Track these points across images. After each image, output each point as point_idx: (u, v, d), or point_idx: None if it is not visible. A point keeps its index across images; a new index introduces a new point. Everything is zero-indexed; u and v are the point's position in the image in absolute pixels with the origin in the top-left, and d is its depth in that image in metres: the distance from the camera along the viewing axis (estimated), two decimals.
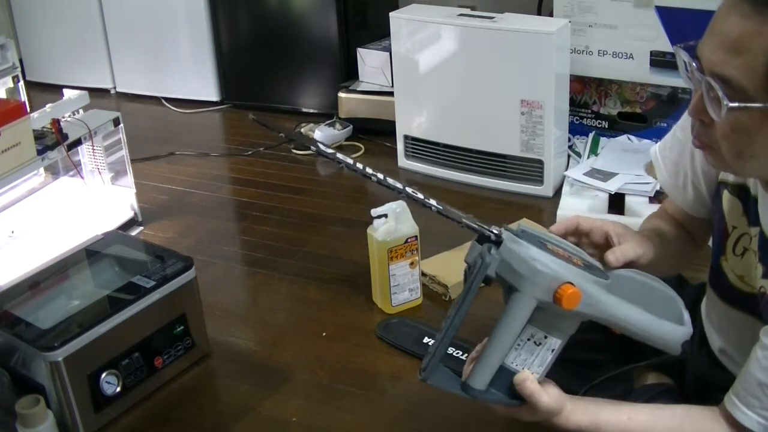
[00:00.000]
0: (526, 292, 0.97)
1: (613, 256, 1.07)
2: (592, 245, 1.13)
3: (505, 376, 1.03)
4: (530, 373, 1.02)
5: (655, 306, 1.04)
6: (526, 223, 2.27)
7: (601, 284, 1.00)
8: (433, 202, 1.05)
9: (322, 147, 1.07)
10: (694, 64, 0.98)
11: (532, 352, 1.02)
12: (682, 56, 1.01)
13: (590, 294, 0.98)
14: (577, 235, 1.13)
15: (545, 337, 1.01)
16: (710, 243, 1.26)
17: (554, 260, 0.98)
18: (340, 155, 1.07)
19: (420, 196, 1.05)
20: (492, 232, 1.01)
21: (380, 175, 1.06)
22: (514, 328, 1.01)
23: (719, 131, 0.97)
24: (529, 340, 1.01)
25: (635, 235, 1.15)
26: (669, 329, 1.04)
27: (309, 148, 2.90)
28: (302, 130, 3.01)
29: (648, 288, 1.07)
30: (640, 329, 1.03)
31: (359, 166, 1.06)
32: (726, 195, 1.16)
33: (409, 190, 1.05)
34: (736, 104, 0.92)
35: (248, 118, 1.12)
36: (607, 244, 1.13)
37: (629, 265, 1.09)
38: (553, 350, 1.02)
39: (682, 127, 1.24)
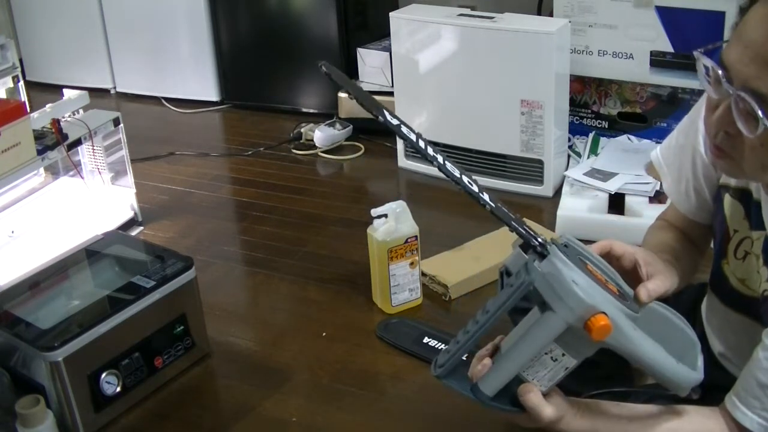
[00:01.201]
0: (560, 315, 0.95)
1: (645, 291, 1.03)
2: (619, 270, 1.09)
3: (512, 383, 1.02)
4: (536, 384, 1.01)
5: (673, 345, 1.02)
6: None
7: (631, 317, 0.97)
8: (486, 197, 0.99)
9: (388, 116, 0.99)
10: (720, 72, 0.92)
11: (545, 366, 1.00)
12: (705, 62, 0.95)
13: (620, 328, 0.95)
14: (608, 258, 1.09)
15: (563, 355, 0.99)
16: (712, 246, 1.25)
17: (594, 286, 0.94)
18: (404, 128, 0.99)
19: (475, 189, 0.99)
20: (538, 242, 0.97)
21: (440, 159, 1.00)
22: (538, 345, 0.98)
23: (747, 144, 0.93)
24: (546, 354, 0.99)
25: (662, 266, 1.11)
26: (684, 374, 1.01)
27: (311, 147, 2.93)
28: (302, 130, 3.01)
29: (670, 326, 1.05)
30: (657, 370, 1.00)
31: (421, 144, 0.99)
32: (728, 198, 1.16)
33: (465, 180, 1.00)
34: None
35: (321, 69, 0.99)
36: (634, 270, 1.09)
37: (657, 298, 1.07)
38: (566, 368, 1.00)
39: (685, 133, 1.23)
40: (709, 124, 0.99)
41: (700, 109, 1.14)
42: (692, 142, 1.20)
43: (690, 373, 1.02)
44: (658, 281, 1.06)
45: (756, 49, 0.88)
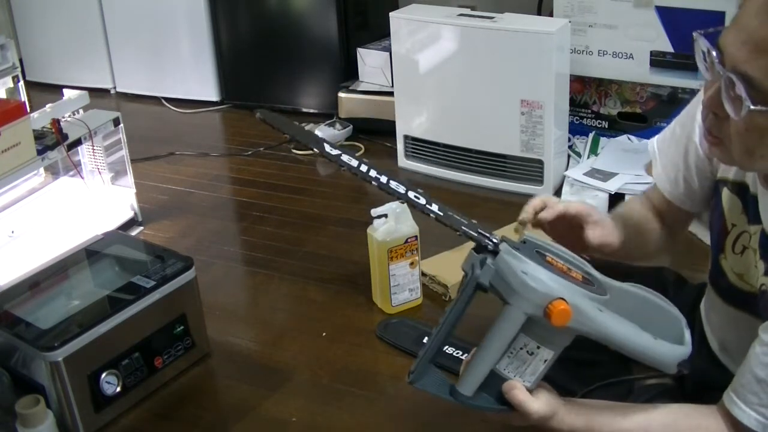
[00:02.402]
0: (516, 306, 0.97)
1: (593, 233, 1.08)
2: (569, 229, 1.13)
3: (496, 382, 1.03)
4: (520, 381, 1.02)
5: (656, 324, 1.03)
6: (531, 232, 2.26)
7: (597, 300, 0.99)
8: (434, 208, 1.04)
9: (327, 148, 1.06)
10: (714, 53, 0.94)
11: (524, 361, 1.01)
12: (702, 44, 0.98)
13: (582, 311, 0.97)
14: (559, 221, 1.14)
15: (538, 348, 1.01)
16: (709, 241, 1.26)
17: (549, 275, 0.97)
18: (345, 157, 1.05)
19: (422, 201, 1.04)
20: (491, 241, 1.00)
21: (383, 179, 1.05)
22: (502, 339, 1.00)
23: (733, 127, 0.95)
24: (521, 349, 1.01)
25: (604, 219, 1.16)
26: (665, 350, 1.02)
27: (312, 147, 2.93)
28: None
29: (650, 305, 1.05)
30: (634, 349, 1.01)
31: (363, 169, 1.05)
32: (726, 192, 1.16)
33: (411, 194, 1.04)
34: (758, 108, 0.89)
35: (256, 116, 1.10)
36: (579, 226, 1.15)
37: (606, 247, 1.11)
38: (545, 361, 1.02)
39: (682, 124, 1.24)
40: (702, 106, 1.01)
41: (698, 102, 1.16)
42: (688, 133, 1.21)
43: (673, 348, 1.02)
44: (605, 230, 1.10)
45: (749, 34, 0.90)
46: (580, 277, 1.01)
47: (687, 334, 1.05)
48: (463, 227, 1.02)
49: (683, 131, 1.23)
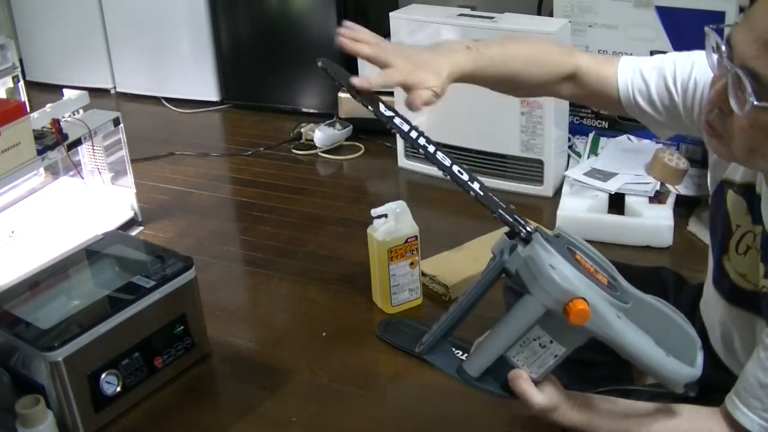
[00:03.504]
0: (537, 297, 0.97)
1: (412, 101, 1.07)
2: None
3: (504, 368, 1.03)
4: (526, 371, 1.02)
5: (671, 341, 1.03)
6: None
7: (617, 307, 0.99)
8: (475, 186, 1.04)
9: (381, 108, 1.06)
10: (724, 48, 0.95)
11: (534, 353, 1.02)
12: (713, 39, 0.98)
13: (601, 315, 0.97)
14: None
15: (551, 342, 1.01)
16: (709, 242, 1.25)
17: (575, 273, 0.97)
18: (397, 120, 1.06)
19: (465, 178, 1.04)
20: (524, 229, 1.01)
21: (431, 149, 1.05)
22: (517, 326, 1.01)
23: (736, 124, 0.95)
24: (535, 340, 1.01)
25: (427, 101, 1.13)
26: (675, 368, 1.02)
27: (312, 147, 2.93)
28: (302, 130, 3.01)
29: (668, 321, 1.05)
30: (643, 361, 1.01)
31: (413, 135, 1.05)
32: (731, 194, 1.16)
33: (455, 169, 1.04)
34: (762, 104, 0.90)
35: (318, 64, 1.12)
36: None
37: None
38: (556, 356, 1.02)
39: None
40: (707, 100, 1.01)
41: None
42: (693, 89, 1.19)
43: (683, 367, 1.02)
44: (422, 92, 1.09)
45: (760, 30, 0.90)
46: (605, 281, 1.00)
47: (700, 357, 1.05)
48: (500, 210, 1.02)
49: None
